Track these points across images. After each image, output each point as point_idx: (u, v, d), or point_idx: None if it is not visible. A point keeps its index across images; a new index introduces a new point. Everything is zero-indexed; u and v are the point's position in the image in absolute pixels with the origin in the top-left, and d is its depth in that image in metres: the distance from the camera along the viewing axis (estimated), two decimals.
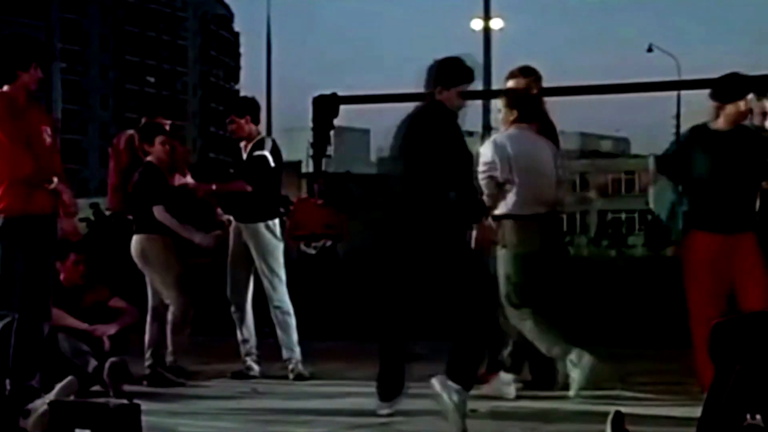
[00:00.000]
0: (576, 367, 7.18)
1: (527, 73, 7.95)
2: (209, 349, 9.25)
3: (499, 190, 7.40)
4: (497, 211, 7.39)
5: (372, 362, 9.21)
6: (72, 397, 6.06)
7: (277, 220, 8.57)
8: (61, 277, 7.65)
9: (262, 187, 8.41)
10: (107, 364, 7.29)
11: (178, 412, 6.83)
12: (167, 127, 8.65)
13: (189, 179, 8.49)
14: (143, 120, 8.87)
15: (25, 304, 6.51)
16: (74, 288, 7.79)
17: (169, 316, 8.23)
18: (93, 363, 7.44)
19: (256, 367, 8.57)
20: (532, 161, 7.49)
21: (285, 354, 8.43)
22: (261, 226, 8.47)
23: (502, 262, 7.43)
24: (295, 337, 8.38)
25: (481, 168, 7.41)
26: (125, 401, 5.38)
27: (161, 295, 8.28)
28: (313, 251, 13.66)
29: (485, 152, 7.52)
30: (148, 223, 8.25)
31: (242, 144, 8.61)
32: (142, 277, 8.35)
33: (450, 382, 6.24)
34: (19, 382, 6.44)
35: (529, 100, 7.74)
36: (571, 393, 7.11)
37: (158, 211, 8.18)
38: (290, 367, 8.37)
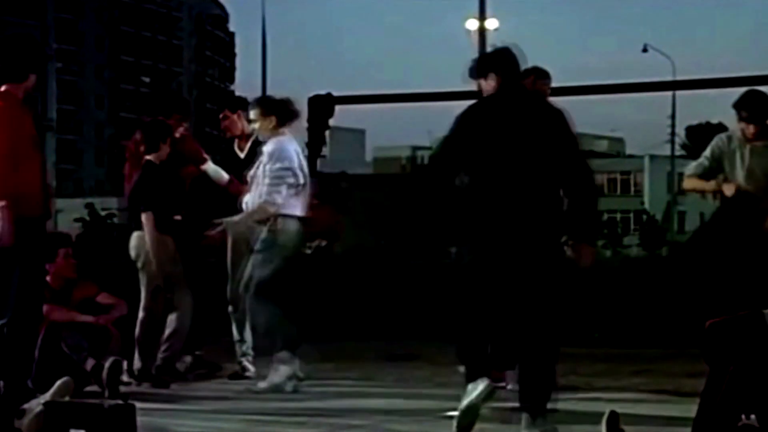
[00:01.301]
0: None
1: (540, 75, 8.02)
2: (205, 350, 9.25)
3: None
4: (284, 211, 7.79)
5: (366, 363, 9.25)
6: (67, 398, 6.05)
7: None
8: (49, 276, 7.62)
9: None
10: (107, 363, 7.26)
11: (173, 412, 6.83)
12: (183, 125, 8.70)
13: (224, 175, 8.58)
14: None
15: (18, 306, 6.50)
16: (64, 284, 7.79)
17: (172, 319, 8.20)
18: (91, 362, 7.45)
19: (251, 368, 8.57)
20: (305, 167, 8.09)
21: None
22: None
23: (265, 258, 7.76)
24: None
25: (279, 174, 7.76)
26: (120, 402, 5.38)
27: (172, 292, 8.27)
28: (308, 251, 13.66)
29: (285, 157, 7.83)
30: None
31: (236, 142, 8.61)
32: (136, 277, 8.33)
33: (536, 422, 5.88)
34: (14, 382, 6.43)
35: (283, 105, 8.04)
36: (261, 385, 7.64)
37: (146, 218, 8.17)
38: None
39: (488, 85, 6.15)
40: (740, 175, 7.58)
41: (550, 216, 5.93)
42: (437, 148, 6.39)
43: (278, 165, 7.82)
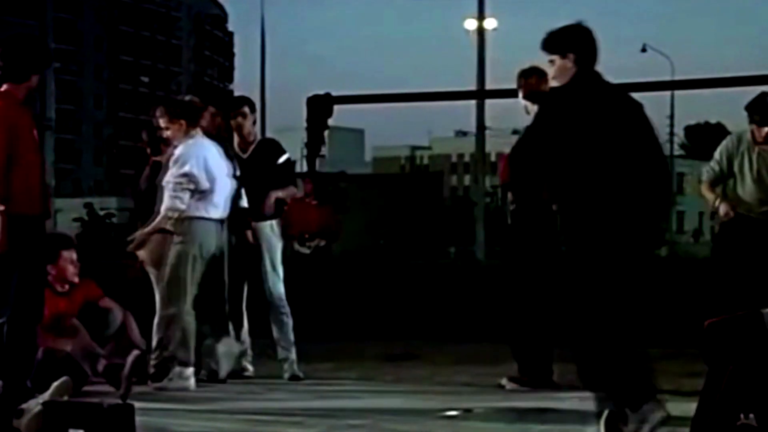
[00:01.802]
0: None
1: (541, 75, 7.95)
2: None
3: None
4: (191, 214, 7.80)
5: (365, 363, 9.24)
6: (66, 398, 6.05)
7: (276, 220, 8.57)
8: (51, 277, 7.63)
9: (276, 187, 8.47)
10: (131, 358, 7.21)
11: (172, 412, 6.83)
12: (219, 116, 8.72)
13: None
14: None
15: (17, 305, 6.50)
16: (68, 287, 7.79)
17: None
18: (103, 362, 7.46)
19: (250, 368, 8.57)
20: (217, 168, 8.01)
21: (281, 354, 8.43)
22: (266, 225, 8.47)
23: (177, 262, 7.79)
24: (291, 337, 8.37)
25: (178, 180, 7.78)
26: (119, 401, 5.38)
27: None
28: (307, 251, 13.68)
29: (186, 162, 7.82)
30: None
31: (237, 142, 8.61)
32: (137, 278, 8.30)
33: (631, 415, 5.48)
34: (12, 382, 6.43)
35: (189, 106, 8.08)
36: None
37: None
38: (285, 367, 8.36)
39: (564, 65, 5.69)
40: (748, 178, 7.57)
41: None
42: (526, 143, 6.02)
43: (179, 170, 7.84)
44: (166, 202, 7.80)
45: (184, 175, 7.81)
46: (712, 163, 7.79)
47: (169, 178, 7.83)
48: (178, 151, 7.88)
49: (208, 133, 8.16)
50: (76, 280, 7.86)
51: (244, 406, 7.19)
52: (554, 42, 5.74)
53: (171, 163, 7.86)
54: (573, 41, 5.72)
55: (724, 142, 7.78)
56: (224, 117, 8.65)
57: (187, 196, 7.81)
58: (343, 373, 8.36)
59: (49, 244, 7.37)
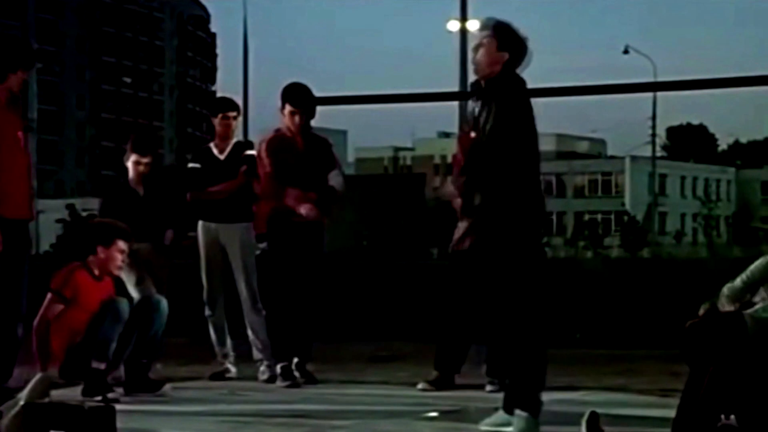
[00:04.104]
0: None
1: None
2: (186, 351, 9.23)
3: None
4: None
5: (349, 364, 9.24)
6: (47, 399, 6.03)
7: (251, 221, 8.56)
8: (96, 259, 7.45)
9: (246, 188, 8.44)
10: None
11: (154, 414, 6.81)
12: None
13: None
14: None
15: None
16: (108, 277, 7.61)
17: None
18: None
19: (233, 369, 8.57)
20: None
21: (256, 355, 8.42)
22: (242, 226, 8.47)
23: None
24: (266, 338, 8.35)
25: None
26: (101, 403, 5.36)
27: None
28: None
29: None
30: None
31: (215, 143, 8.59)
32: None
33: (516, 413, 5.74)
34: None
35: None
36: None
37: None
38: (261, 368, 8.35)
39: (500, 56, 5.81)
40: None
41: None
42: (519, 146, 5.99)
43: None
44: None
45: None
46: (737, 280, 5.95)
47: None
48: None
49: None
50: (117, 273, 7.65)
51: (227, 407, 7.18)
52: (503, 32, 5.81)
53: None
54: (517, 43, 5.82)
55: (760, 260, 6.37)
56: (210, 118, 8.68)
57: None
58: (326, 374, 8.35)
59: (108, 230, 7.43)
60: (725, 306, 5.83)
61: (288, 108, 8.14)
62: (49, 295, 7.25)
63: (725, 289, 5.90)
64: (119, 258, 7.52)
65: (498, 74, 5.80)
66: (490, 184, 5.73)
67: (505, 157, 5.70)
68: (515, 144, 5.73)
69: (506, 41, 5.80)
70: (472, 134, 5.84)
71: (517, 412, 5.72)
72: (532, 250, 5.79)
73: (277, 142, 8.19)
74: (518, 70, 5.88)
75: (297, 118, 8.13)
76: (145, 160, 8.54)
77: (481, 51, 5.83)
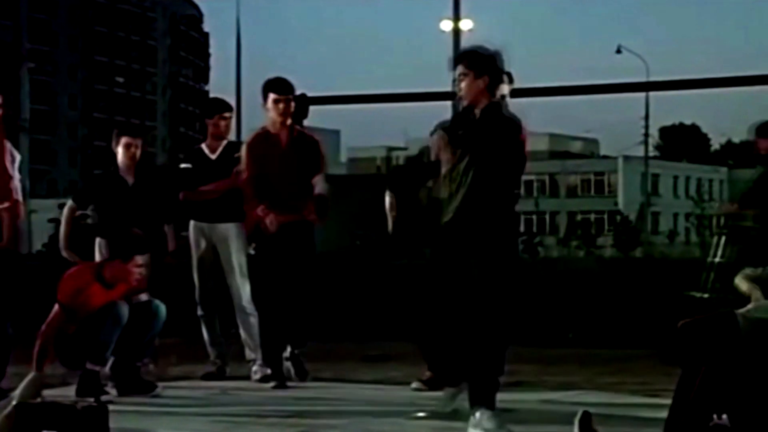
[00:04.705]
0: None
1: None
2: (178, 351, 9.23)
3: None
4: None
5: (341, 363, 9.24)
6: (40, 399, 6.02)
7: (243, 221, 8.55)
8: (110, 268, 7.41)
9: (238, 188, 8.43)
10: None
11: (146, 414, 6.80)
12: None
13: None
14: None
15: None
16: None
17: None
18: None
19: (225, 369, 8.56)
20: None
21: (248, 355, 8.41)
22: (234, 226, 8.46)
23: None
24: (258, 338, 8.34)
25: None
26: (93, 402, 5.36)
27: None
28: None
29: None
30: None
31: (207, 144, 8.59)
32: None
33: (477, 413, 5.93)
34: None
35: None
36: None
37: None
38: (254, 368, 8.34)
39: (477, 85, 6.13)
40: None
41: None
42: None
43: None
44: None
45: None
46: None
47: None
48: None
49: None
50: (133, 285, 7.49)
51: (220, 407, 7.17)
52: (475, 61, 6.12)
53: None
54: (490, 64, 6.11)
55: None
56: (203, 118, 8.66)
57: None
58: (318, 373, 8.34)
59: (128, 244, 7.42)
60: (743, 285, 5.80)
61: (271, 96, 8.08)
62: (57, 307, 7.20)
63: (748, 270, 5.83)
64: (136, 273, 7.42)
65: (489, 104, 6.11)
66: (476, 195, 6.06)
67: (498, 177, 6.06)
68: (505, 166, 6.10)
69: (481, 68, 6.10)
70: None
71: (478, 408, 5.89)
72: (505, 252, 6.04)
73: (259, 140, 8.13)
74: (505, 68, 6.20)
75: (281, 106, 8.08)
76: (136, 141, 8.35)
77: (463, 85, 6.16)
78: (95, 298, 7.26)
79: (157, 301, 7.66)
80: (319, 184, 8.13)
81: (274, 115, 8.08)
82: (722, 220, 9.97)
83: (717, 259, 9.15)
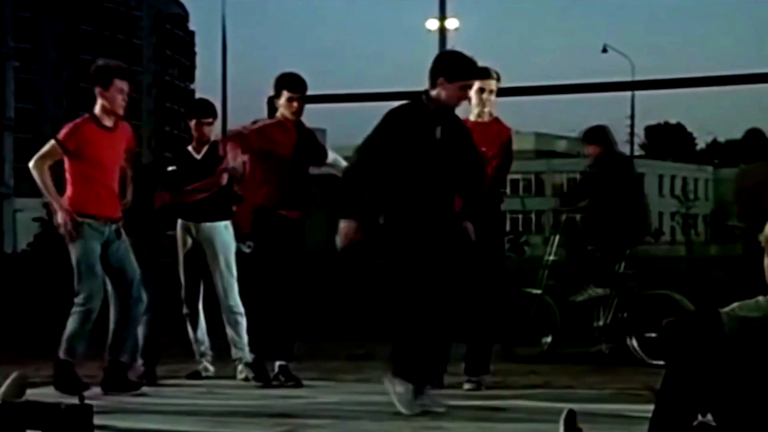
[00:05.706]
0: None
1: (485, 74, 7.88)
2: (164, 350, 9.21)
3: None
4: None
5: (326, 363, 9.24)
6: (23, 398, 6.00)
7: (230, 220, 8.55)
8: (98, 106, 7.59)
9: (226, 187, 8.43)
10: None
11: (132, 412, 6.79)
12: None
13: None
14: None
15: None
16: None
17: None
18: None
19: (210, 368, 8.56)
20: None
21: (234, 354, 8.40)
22: (220, 225, 8.45)
23: None
24: (245, 337, 8.33)
25: None
26: (77, 402, 5.34)
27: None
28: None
29: None
30: None
31: (193, 146, 8.58)
32: None
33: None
34: None
35: None
36: None
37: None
38: (240, 367, 8.33)
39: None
40: None
41: None
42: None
43: None
44: None
45: None
46: None
47: None
48: None
49: None
50: (122, 113, 7.65)
51: (205, 406, 7.16)
52: (432, 69, 6.85)
53: None
54: (442, 63, 6.92)
55: None
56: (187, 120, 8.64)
57: None
58: (304, 373, 8.34)
59: (104, 71, 7.57)
60: None
61: (286, 94, 8.07)
62: (51, 142, 7.48)
63: None
64: (119, 98, 7.52)
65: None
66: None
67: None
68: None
69: (434, 73, 6.79)
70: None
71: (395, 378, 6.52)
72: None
73: (274, 125, 8.15)
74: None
75: (295, 105, 8.09)
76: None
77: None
78: (94, 141, 7.50)
79: (141, 290, 7.70)
80: (335, 159, 8.46)
81: (287, 113, 8.09)
82: (558, 222, 10.76)
83: (551, 258, 9.87)
